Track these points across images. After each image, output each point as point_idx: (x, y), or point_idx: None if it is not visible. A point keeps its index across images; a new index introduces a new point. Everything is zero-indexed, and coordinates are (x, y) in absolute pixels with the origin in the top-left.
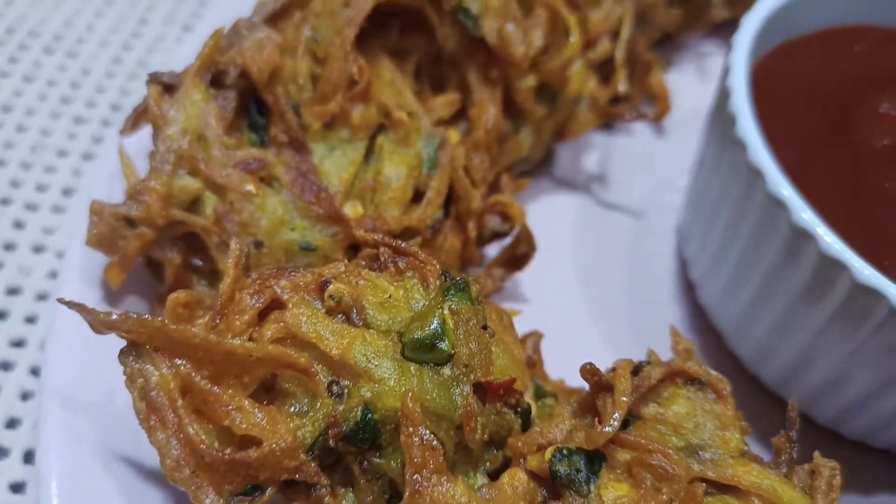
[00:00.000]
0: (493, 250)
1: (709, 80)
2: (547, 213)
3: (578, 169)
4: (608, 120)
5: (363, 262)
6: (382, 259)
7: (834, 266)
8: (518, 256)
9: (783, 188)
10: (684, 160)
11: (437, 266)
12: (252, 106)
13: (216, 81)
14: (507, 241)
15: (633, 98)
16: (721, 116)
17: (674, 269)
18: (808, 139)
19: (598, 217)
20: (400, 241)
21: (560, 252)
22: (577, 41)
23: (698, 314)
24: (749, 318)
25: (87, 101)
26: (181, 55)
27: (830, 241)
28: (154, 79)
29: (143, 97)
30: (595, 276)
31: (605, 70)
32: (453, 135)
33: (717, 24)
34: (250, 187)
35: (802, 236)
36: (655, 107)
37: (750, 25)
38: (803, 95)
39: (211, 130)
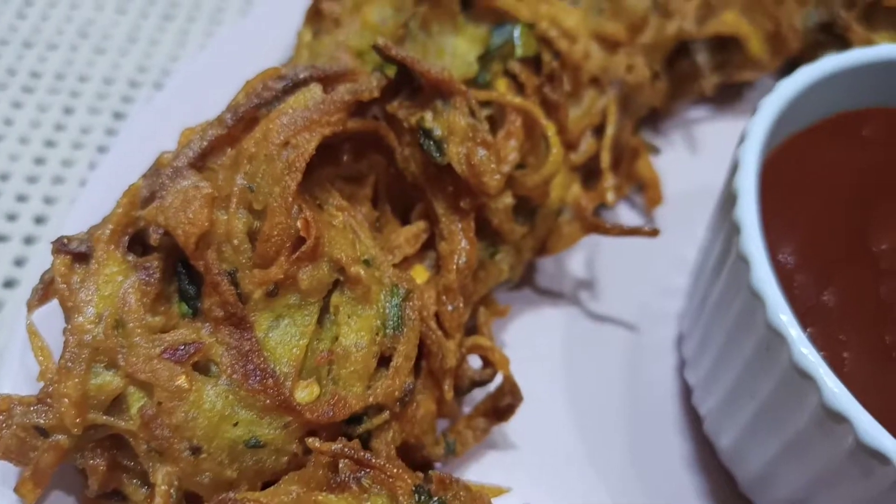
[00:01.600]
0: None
1: (700, 153)
2: (531, 331)
3: (564, 275)
4: (596, 233)
5: (320, 473)
6: (342, 477)
7: (837, 419)
8: (502, 408)
9: (785, 319)
10: (680, 255)
11: (409, 480)
12: (182, 271)
13: (137, 240)
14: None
15: (620, 189)
16: (726, 220)
17: (676, 395)
18: (822, 253)
19: (589, 332)
20: (364, 453)
21: (548, 379)
22: (559, 154)
23: (706, 448)
24: (759, 471)
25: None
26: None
27: (835, 389)
28: (60, 247)
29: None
30: (588, 408)
31: (589, 166)
32: (420, 273)
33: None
34: (182, 382)
35: (803, 377)
36: (645, 196)
37: (764, 115)
38: (817, 200)
39: (131, 314)
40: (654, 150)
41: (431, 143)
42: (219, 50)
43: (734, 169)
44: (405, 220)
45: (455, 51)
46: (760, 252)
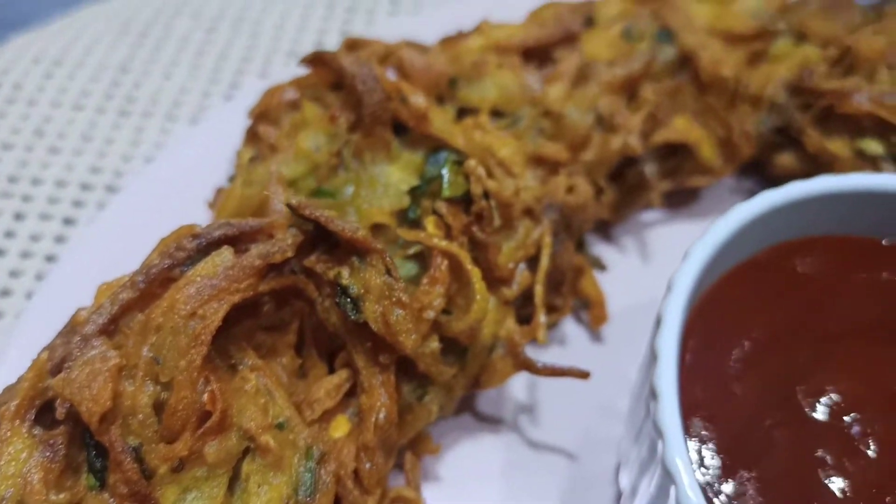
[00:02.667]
0: None
1: (652, 260)
2: (469, 461)
3: (505, 398)
4: (527, 372)
5: None
6: None
7: None
8: None
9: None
10: (626, 374)
11: None
12: (90, 442)
13: (48, 407)
14: None
15: (562, 310)
16: (648, 380)
17: None
18: (751, 414)
19: (529, 461)
20: None
21: None
22: (484, 302)
23: None
24: None
25: None
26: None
27: None
28: None
29: None
30: None
31: (527, 294)
32: (342, 424)
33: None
34: None
35: None
36: (590, 315)
37: (692, 264)
38: (749, 347)
39: (34, 495)
40: (600, 267)
41: (348, 300)
42: (154, 176)
43: (657, 324)
44: (333, 363)
45: (388, 180)
46: (675, 426)
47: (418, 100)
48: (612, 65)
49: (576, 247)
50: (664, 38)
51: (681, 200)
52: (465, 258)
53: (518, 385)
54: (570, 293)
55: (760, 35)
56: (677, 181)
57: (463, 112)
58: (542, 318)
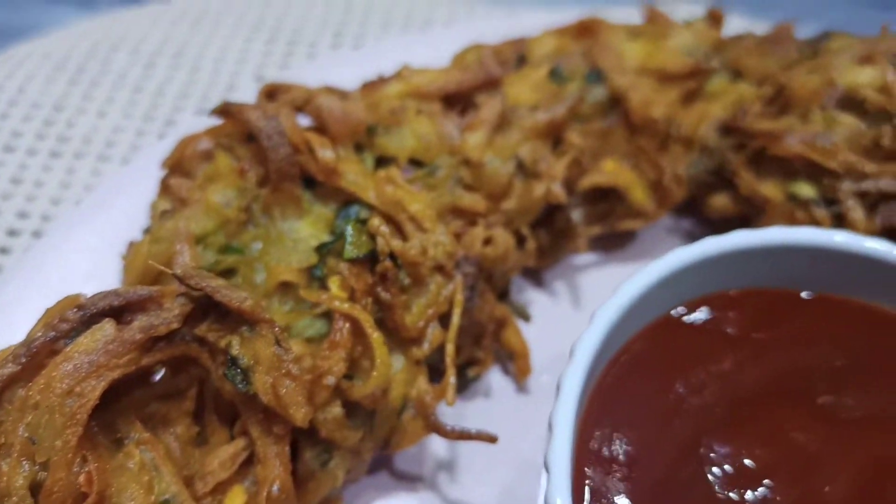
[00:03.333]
0: None
1: (584, 304)
2: None
3: (424, 455)
4: (439, 435)
5: None
6: None
7: None
8: None
9: None
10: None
11: None
12: None
13: None
14: None
15: (484, 363)
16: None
17: None
18: (654, 490)
19: None
20: None
21: None
22: (385, 368)
23: None
24: None
25: None
26: None
27: None
28: None
29: None
30: None
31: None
32: (238, 495)
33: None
34: None
35: None
36: (515, 367)
37: (596, 329)
38: (655, 418)
39: None
40: (525, 317)
41: (237, 371)
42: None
43: (557, 394)
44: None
45: (298, 235)
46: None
47: (326, 153)
48: (535, 110)
49: (500, 296)
50: (594, 79)
51: (616, 242)
52: (367, 322)
53: (437, 440)
54: (492, 346)
55: (694, 73)
56: (609, 225)
57: (383, 161)
58: (451, 378)
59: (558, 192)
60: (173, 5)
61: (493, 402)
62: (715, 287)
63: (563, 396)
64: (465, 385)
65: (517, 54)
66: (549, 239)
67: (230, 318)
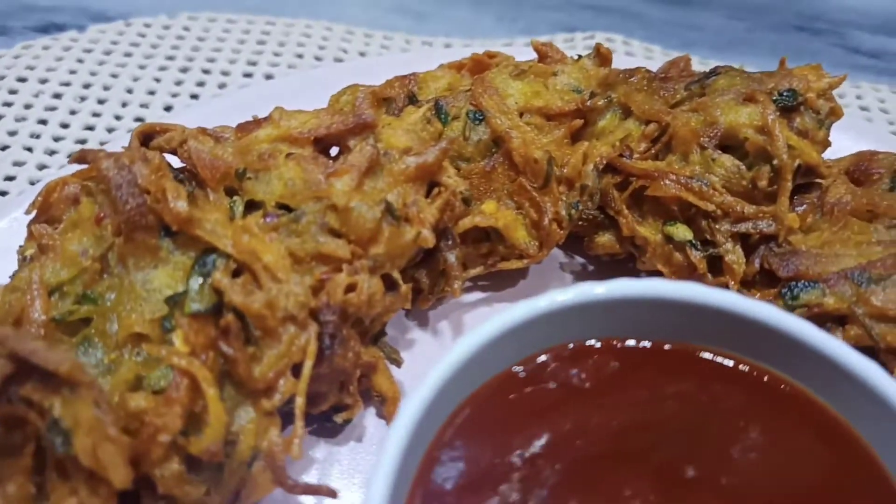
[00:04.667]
0: None
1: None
2: None
3: (289, 501)
4: (284, 489)
5: None
6: None
7: None
8: None
9: None
10: None
11: None
12: None
13: None
14: None
15: (353, 408)
16: None
17: None
18: None
19: None
20: None
21: None
22: (219, 422)
23: None
24: None
25: None
26: None
27: None
28: None
29: None
30: None
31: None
32: None
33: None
34: None
35: None
36: (385, 413)
37: (418, 401)
38: (492, 483)
39: None
40: (396, 361)
41: (59, 433)
42: None
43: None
44: None
45: (152, 285)
46: None
47: (178, 204)
48: (407, 153)
49: (374, 340)
50: (476, 119)
51: (508, 279)
52: (204, 378)
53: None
54: (359, 391)
55: (579, 112)
56: (491, 266)
57: (254, 206)
58: (299, 431)
59: (427, 236)
60: (87, 33)
61: (366, 446)
62: (560, 340)
63: (381, 467)
64: (336, 430)
65: (407, 91)
66: (430, 280)
67: (53, 379)
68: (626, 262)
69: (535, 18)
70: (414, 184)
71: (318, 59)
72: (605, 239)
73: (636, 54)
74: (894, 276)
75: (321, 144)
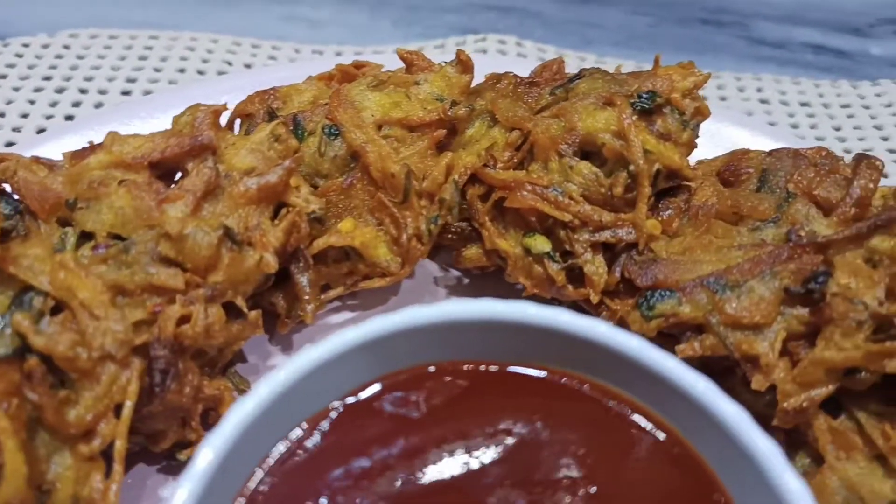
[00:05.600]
0: None
1: None
2: None
3: None
4: None
5: None
6: None
7: None
8: None
9: None
10: None
11: None
12: None
13: None
14: None
15: (196, 444)
16: None
17: None
18: None
19: None
20: None
21: None
22: (17, 476)
23: None
24: None
25: None
26: None
27: None
28: None
29: None
30: None
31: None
32: None
33: None
34: None
35: None
36: None
37: (216, 444)
38: None
39: None
40: (242, 389)
41: None
42: None
43: None
44: None
45: None
46: None
47: None
48: (249, 174)
49: (223, 371)
50: (332, 134)
51: (375, 295)
52: (4, 429)
53: None
54: (207, 425)
55: (442, 122)
56: (352, 285)
57: (87, 237)
58: (117, 476)
59: (270, 260)
60: None
61: None
62: (392, 367)
63: None
64: (183, 467)
65: (266, 107)
66: (287, 304)
67: None
68: (499, 274)
69: (433, 22)
70: (257, 206)
71: (200, 72)
72: (472, 252)
73: (529, 55)
74: (750, 281)
75: (160, 169)
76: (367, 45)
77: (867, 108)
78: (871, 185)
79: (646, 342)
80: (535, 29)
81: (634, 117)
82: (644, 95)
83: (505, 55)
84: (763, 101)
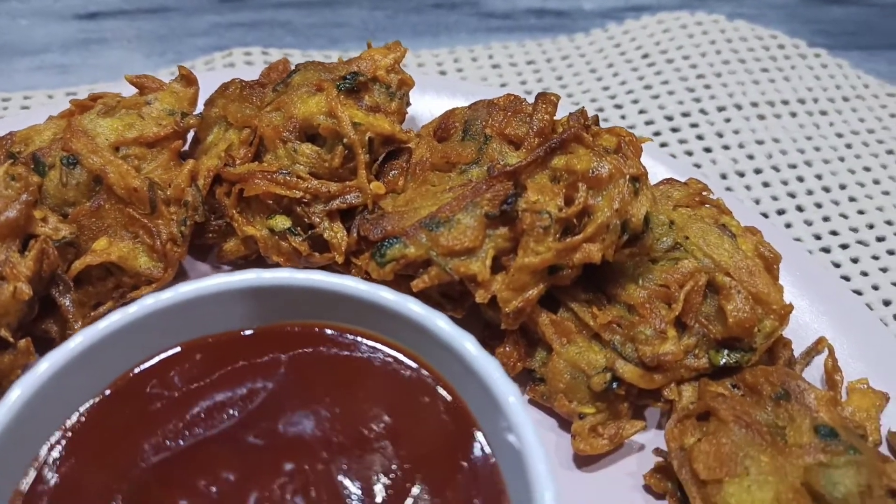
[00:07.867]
0: None
1: None
2: None
3: None
4: None
5: None
6: None
7: None
8: None
9: None
10: None
11: None
12: None
13: None
14: None
15: None
16: None
17: None
18: None
19: None
20: None
21: None
22: None
23: None
24: None
25: None
26: None
27: None
28: None
29: None
30: None
31: None
32: None
33: None
34: None
35: None
36: None
37: None
38: None
39: None
40: None
41: None
42: None
43: None
44: None
45: None
46: None
47: None
48: None
49: None
50: (70, 163)
51: None
52: None
53: None
54: None
55: (177, 133)
56: (120, 297)
57: None
58: None
59: (24, 289)
60: None
61: None
62: (152, 350)
63: None
64: None
65: (6, 151)
66: (59, 328)
67: None
68: (262, 260)
69: (184, 47)
70: (3, 242)
71: None
72: (230, 245)
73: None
74: (457, 215)
75: None
76: (120, 81)
77: (583, 55)
78: (547, 117)
79: (382, 286)
80: (284, 37)
81: (341, 97)
82: (348, 77)
83: (252, 65)
84: (495, 66)
